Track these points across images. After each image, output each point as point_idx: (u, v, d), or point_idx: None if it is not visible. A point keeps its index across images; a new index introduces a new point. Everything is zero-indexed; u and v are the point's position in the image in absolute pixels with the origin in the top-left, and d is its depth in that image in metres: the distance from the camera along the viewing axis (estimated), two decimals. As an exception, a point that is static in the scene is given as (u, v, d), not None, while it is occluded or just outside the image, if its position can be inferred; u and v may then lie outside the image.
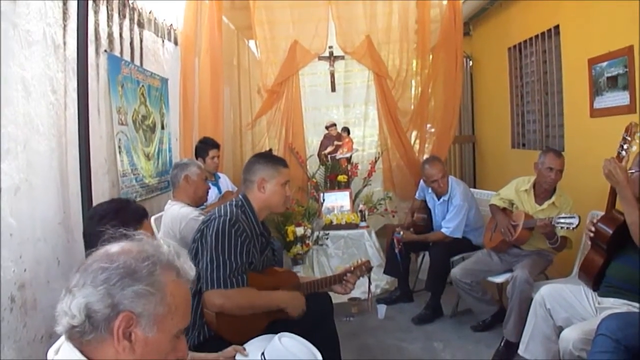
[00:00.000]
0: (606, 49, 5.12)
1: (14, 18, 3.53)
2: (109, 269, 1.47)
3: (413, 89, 8.39)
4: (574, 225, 4.45)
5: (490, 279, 5.26)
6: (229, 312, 3.18)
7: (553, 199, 4.95)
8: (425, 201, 6.48)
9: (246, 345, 2.89)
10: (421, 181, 6.45)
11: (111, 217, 2.76)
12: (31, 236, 3.66)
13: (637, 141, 3.61)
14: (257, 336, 3.07)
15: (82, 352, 1.46)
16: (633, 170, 3.64)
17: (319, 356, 2.83)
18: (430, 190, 6.18)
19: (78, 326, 1.44)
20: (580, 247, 4.93)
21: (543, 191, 5.02)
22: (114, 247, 1.56)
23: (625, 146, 3.62)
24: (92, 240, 2.88)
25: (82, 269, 1.50)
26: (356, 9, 7.98)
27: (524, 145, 7.51)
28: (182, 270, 1.59)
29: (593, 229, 3.80)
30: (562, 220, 4.54)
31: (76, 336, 1.46)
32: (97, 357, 1.46)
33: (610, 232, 3.71)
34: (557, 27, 6.21)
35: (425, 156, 7.65)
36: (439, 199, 6.08)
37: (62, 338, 1.57)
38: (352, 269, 3.75)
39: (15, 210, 3.46)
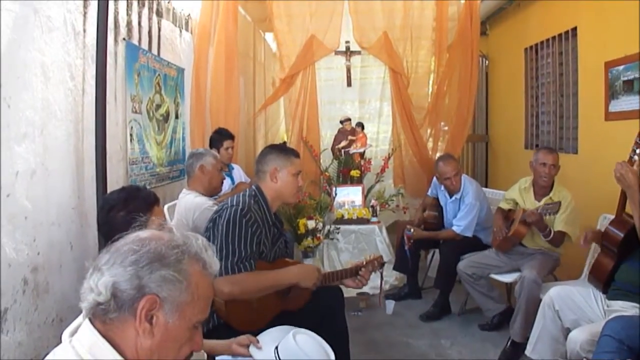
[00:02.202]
0: (623, 53, 5.10)
1: (36, 4, 3.56)
2: (139, 251, 1.49)
3: (429, 86, 8.39)
4: (555, 210, 4.63)
5: (499, 277, 5.26)
6: (240, 297, 3.19)
7: (551, 194, 4.98)
8: (437, 199, 6.48)
9: (260, 336, 2.90)
10: (434, 178, 6.45)
11: (120, 208, 2.78)
12: (45, 220, 3.70)
13: None
14: (265, 325, 3.09)
15: (101, 332, 1.48)
16: None
17: (332, 356, 2.83)
18: (442, 188, 6.18)
19: (103, 304, 1.46)
20: (590, 250, 4.92)
21: (541, 188, 5.07)
22: (145, 233, 1.60)
23: (637, 150, 3.62)
24: (103, 230, 2.92)
25: (113, 250, 1.53)
26: (374, 5, 7.97)
27: (537, 146, 7.49)
28: (208, 263, 1.62)
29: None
30: (546, 206, 4.71)
31: (99, 313, 1.48)
32: (117, 336, 1.48)
33: (621, 235, 3.71)
34: (574, 29, 6.19)
35: (439, 154, 7.65)
36: (451, 197, 6.08)
37: (78, 320, 1.59)
38: (365, 263, 3.76)
39: (31, 193, 3.50)
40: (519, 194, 5.29)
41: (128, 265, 1.47)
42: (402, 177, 8.26)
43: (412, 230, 6.08)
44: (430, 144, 8.25)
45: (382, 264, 3.85)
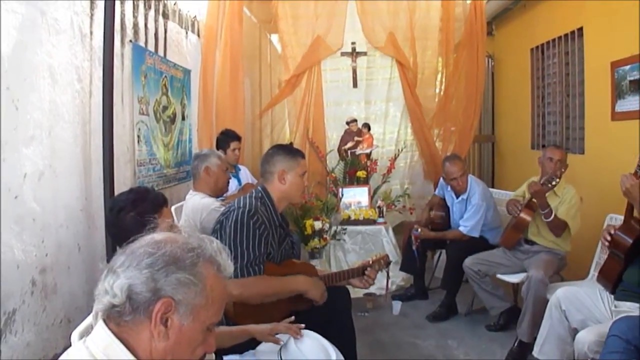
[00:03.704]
0: (629, 53, 5.09)
1: (43, 6, 3.58)
2: (155, 254, 1.50)
3: (437, 87, 8.41)
4: (558, 175, 4.77)
5: (505, 278, 5.26)
6: (248, 301, 3.20)
7: (555, 189, 4.97)
8: (443, 198, 6.49)
9: (265, 342, 2.94)
10: (440, 178, 6.45)
11: (129, 209, 2.78)
12: (53, 222, 3.72)
13: None
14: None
15: (115, 333, 1.49)
16: None
17: (334, 355, 2.85)
18: (449, 188, 6.17)
19: (118, 306, 1.47)
20: (596, 251, 4.92)
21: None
22: (160, 235, 1.60)
23: None
24: (112, 231, 2.94)
25: (128, 252, 1.54)
26: (380, 6, 8.00)
27: (544, 146, 7.45)
28: (222, 266, 1.62)
29: (609, 238, 3.77)
30: (547, 178, 4.82)
31: (114, 316, 1.49)
32: (132, 338, 1.49)
33: (630, 241, 3.67)
34: (580, 29, 6.18)
35: (446, 154, 7.66)
36: (457, 197, 6.08)
37: (87, 321, 1.60)
38: (371, 262, 3.77)
39: (39, 195, 3.52)
40: (526, 189, 5.33)
41: (144, 268, 1.48)
42: (434, 170, 8.24)
43: (419, 230, 6.08)
44: (438, 145, 8.27)
45: (388, 263, 3.86)
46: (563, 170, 4.86)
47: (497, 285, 5.36)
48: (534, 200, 5.00)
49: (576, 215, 4.94)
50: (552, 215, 4.87)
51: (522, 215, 5.07)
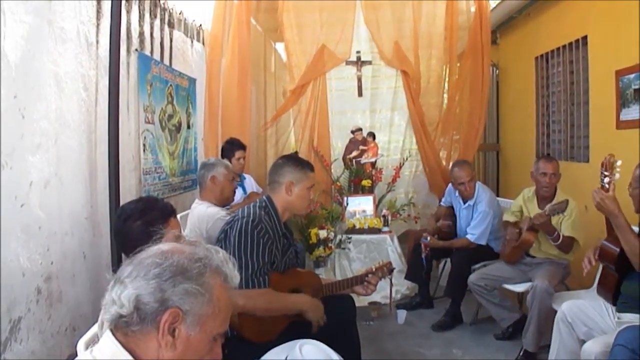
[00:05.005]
0: (634, 61, 5.09)
1: (49, 15, 3.60)
2: (162, 265, 1.51)
3: (440, 96, 8.41)
4: (563, 209, 4.67)
5: (510, 287, 5.25)
6: (250, 313, 3.19)
7: (553, 202, 4.96)
8: (450, 207, 6.49)
9: (270, 352, 2.93)
10: (448, 186, 6.46)
11: (136, 218, 2.78)
12: (59, 229, 3.72)
13: (618, 169, 3.57)
14: (278, 337, 3.12)
15: (122, 343, 1.50)
16: (635, 187, 3.62)
17: None
18: (457, 194, 6.18)
19: (126, 316, 1.48)
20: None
21: (543, 196, 5.09)
22: (167, 246, 1.61)
23: (606, 180, 3.57)
24: (118, 238, 2.95)
25: (136, 262, 1.54)
26: (387, 15, 8.03)
27: (548, 155, 7.46)
28: (229, 276, 1.63)
29: (589, 266, 3.80)
30: (552, 207, 4.74)
31: (122, 326, 1.50)
32: (139, 349, 1.49)
33: (617, 250, 3.66)
34: (585, 37, 6.18)
35: (451, 163, 7.66)
36: (464, 203, 6.09)
37: (92, 330, 1.60)
38: (374, 270, 3.76)
39: (45, 203, 3.53)
40: (523, 204, 5.35)
41: (151, 278, 1.49)
42: (436, 184, 8.23)
43: (428, 238, 6.08)
44: (442, 154, 8.27)
45: (391, 270, 3.85)
46: (564, 209, 4.84)
47: (505, 297, 5.35)
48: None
49: (580, 225, 4.93)
50: (561, 238, 4.86)
51: (527, 236, 5.06)
